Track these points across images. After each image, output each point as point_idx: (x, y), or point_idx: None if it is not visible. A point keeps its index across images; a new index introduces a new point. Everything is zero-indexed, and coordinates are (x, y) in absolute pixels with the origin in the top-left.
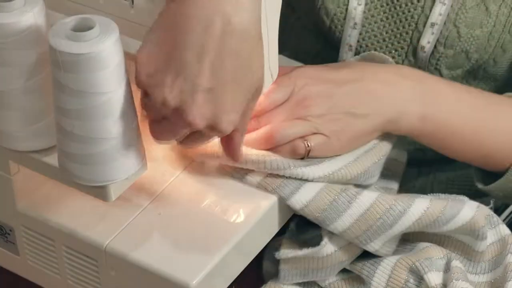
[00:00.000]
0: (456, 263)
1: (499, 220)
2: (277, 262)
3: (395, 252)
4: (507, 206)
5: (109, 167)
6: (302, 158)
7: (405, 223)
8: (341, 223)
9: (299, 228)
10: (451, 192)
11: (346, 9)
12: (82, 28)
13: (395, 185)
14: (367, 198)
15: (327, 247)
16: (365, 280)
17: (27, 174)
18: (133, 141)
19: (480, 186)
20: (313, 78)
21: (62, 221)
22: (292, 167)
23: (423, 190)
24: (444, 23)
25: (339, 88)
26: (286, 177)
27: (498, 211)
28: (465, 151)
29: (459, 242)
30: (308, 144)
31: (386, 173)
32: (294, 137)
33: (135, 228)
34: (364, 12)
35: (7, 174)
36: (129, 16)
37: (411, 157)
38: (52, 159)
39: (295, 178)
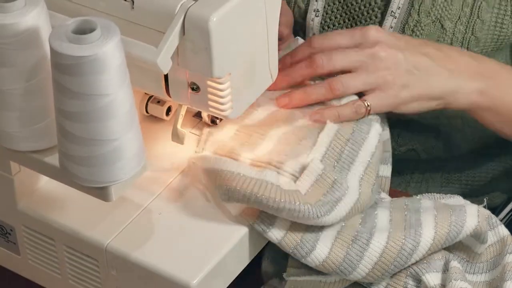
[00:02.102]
0: (455, 264)
1: (498, 221)
2: (276, 262)
3: None
4: (505, 206)
5: (110, 168)
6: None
7: (416, 258)
8: (358, 274)
9: None
10: (445, 191)
11: (305, 20)
12: (83, 30)
13: (387, 171)
14: (377, 244)
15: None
16: (366, 286)
17: (28, 174)
18: (134, 142)
19: None
20: (387, 33)
21: (63, 221)
22: (320, 216)
23: (418, 188)
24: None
25: (411, 46)
26: (303, 234)
27: (496, 210)
28: None
29: (459, 244)
30: (367, 104)
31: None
32: (355, 90)
33: (135, 228)
34: (321, 23)
35: (8, 174)
36: (129, 17)
37: (405, 158)
38: (53, 159)
39: (313, 231)
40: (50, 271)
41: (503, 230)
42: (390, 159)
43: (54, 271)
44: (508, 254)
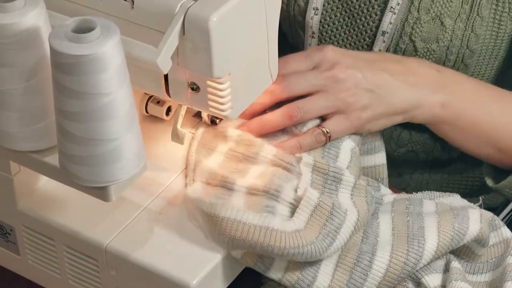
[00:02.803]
0: (455, 264)
1: (501, 222)
2: None
3: None
4: (505, 206)
5: (110, 168)
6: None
7: (419, 267)
8: None
9: None
10: (445, 192)
11: (304, 19)
12: (83, 29)
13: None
14: (380, 264)
15: None
16: None
17: (28, 174)
18: (134, 142)
19: (490, 183)
20: (344, 53)
21: (63, 221)
22: (322, 252)
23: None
24: (401, 37)
25: (369, 64)
26: (303, 267)
27: (496, 210)
28: (481, 144)
29: (461, 246)
30: (326, 131)
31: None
32: (315, 114)
33: (135, 228)
34: (321, 21)
35: (8, 174)
36: (129, 17)
37: (404, 159)
38: (53, 159)
39: (313, 262)
40: (50, 271)
41: (506, 232)
42: (382, 146)
43: (54, 271)
44: (510, 256)
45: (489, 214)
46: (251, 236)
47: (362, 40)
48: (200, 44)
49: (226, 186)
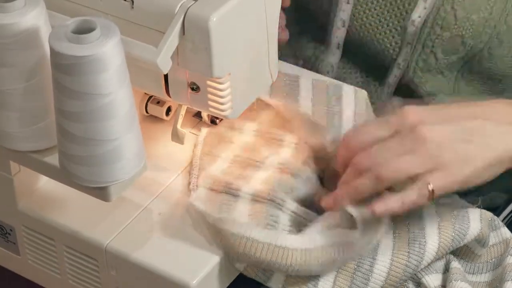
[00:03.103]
0: (455, 264)
1: (501, 222)
2: None
3: None
4: (505, 206)
5: (110, 168)
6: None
7: (421, 267)
8: None
9: None
10: None
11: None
12: (83, 30)
13: None
14: (382, 268)
15: None
16: None
17: (28, 174)
18: (134, 142)
19: None
20: (425, 110)
21: (63, 221)
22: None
23: None
24: (442, 4)
25: (452, 114)
26: (304, 276)
27: (496, 211)
28: None
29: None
30: (430, 188)
31: None
32: (407, 174)
33: (135, 228)
34: (353, 15)
35: (8, 174)
36: (129, 17)
37: None
38: (53, 159)
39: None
40: (50, 271)
41: (506, 232)
42: None
43: (54, 271)
44: (510, 256)
45: (488, 214)
46: (259, 253)
47: (397, 8)
48: (200, 44)
49: (230, 192)
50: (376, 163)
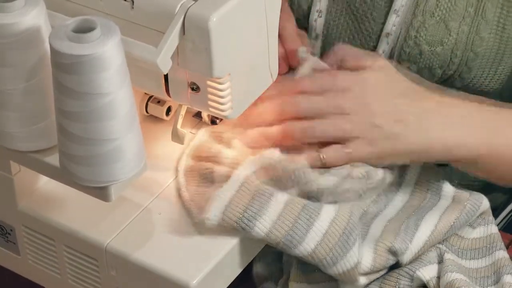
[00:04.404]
0: (448, 256)
1: (493, 220)
2: (271, 264)
3: None
4: (505, 206)
5: (111, 168)
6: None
7: (411, 254)
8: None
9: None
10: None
11: (308, 21)
12: (83, 29)
13: None
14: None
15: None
16: None
17: (28, 174)
18: (134, 141)
19: None
20: (355, 79)
21: (63, 221)
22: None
23: None
24: (405, 40)
25: (395, 98)
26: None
27: (496, 210)
28: None
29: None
30: (322, 157)
31: None
32: (330, 136)
33: (135, 228)
34: (325, 24)
35: (8, 174)
36: (129, 17)
37: None
38: (53, 159)
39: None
40: (50, 271)
41: (492, 229)
42: None
43: (54, 271)
44: (498, 251)
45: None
46: None
47: (367, 43)
48: (200, 44)
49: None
50: (297, 114)
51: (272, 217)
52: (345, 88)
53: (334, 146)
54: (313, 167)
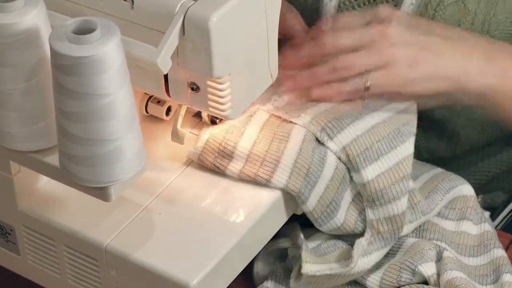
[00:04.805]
0: (447, 253)
1: (489, 219)
2: (271, 264)
3: (385, 255)
4: (505, 206)
5: (111, 168)
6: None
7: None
8: None
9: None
10: None
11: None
12: (83, 30)
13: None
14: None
15: (357, 266)
16: (360, 282)
17: (28, 174)
18: (134, 142)
19: None
20: (397, 13)
21: (63, 221)
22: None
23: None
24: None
25: (422, 26)
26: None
27: (496, 210)
28: None
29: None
30: (368, 84)
31: None
32: (358, 70)
33: (135, 228)
34: (339, 5)
35: (8, 174)
36: (129, 17)
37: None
38: (53, 159)
39: None
40: (50, 271)
41: (486, 226)
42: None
43: (54, 271)
44: (495, 249)
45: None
46: None
47: None
48: (200, 44)
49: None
50: (335, 45)
51: None
52: (382, 20)
53: (378, 72)
54: (356, 94)
